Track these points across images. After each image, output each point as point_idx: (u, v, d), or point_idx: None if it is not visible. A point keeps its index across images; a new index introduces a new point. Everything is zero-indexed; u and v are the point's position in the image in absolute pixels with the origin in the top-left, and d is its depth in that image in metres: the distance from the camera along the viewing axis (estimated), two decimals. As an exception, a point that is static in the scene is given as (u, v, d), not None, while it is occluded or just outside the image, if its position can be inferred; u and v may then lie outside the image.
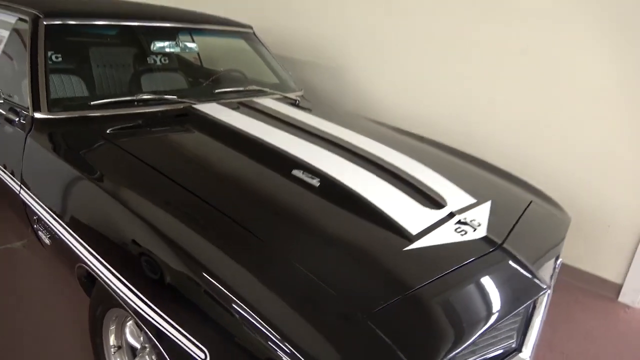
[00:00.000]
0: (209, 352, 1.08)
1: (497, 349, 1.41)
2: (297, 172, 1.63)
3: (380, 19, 3.29)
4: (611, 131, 2.50)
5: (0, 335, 1.91)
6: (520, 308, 1.32)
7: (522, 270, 1.42)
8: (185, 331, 1.13)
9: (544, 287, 1.41)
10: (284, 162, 1.69)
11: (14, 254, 2.50)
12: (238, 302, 1.06)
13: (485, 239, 1.49)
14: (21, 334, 1.93)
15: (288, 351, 0.98)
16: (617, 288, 2.64)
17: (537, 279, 1.42)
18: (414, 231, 1.43)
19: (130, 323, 1.51)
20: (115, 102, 1.98)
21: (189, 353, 1.12)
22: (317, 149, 1.83)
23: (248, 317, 1.03)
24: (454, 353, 1.10)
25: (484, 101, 2.91)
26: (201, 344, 1.10)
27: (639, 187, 2.49)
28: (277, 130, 1.97)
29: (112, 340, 1.56)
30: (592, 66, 2.50)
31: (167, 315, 1.17)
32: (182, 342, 1.13)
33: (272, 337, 1.00)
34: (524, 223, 1.72)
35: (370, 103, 3.47)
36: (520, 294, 1.36)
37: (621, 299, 2.63)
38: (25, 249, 2.54)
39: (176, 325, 1.14)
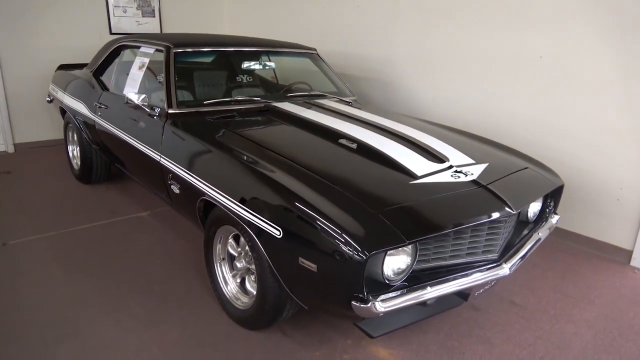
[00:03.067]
0: (283, 231, 1.81)
1: (479, 256, 2.02)
2: (342, 140, 2.37)
3: (423, 39, 3.98)
4: (618, 121, 2.97)
5: (137, 271, 2.78)
6: (485, 221, 1.90)
7: (497, 201, 2.01)
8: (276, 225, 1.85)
9: (512, 212, 1.98)
10: (334, 135, 2.43)
11: (142, 220, 3.42)
12: (317, 216, 1.74)
13: (473, 181, 2.10)
14: (153, 270, 2.78)
15: (338, 231, 1.67)
16: (629, 254, 3.04)
17: (509, 207, 1.99)
18: (419, 173, 2.09)
19: (231, 240, 2.28)
20: (218, 101, 2.85)
21: (270, 234, 1.85)
22: (357, 127, 2.56)
23: (323, 225, 1.71)
24: (434, 235, 1.74)
25: (507, 101, 3.48)
26: (277, 226, 1.82)
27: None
28: (331, 118, 2.71)
29: (218, 251, 2.34)
30: (598, 65, 3.00)
31: (266, 222, 1.89)
32: (274, 234, 1.85)
33: (332, 228, 1.69)
34: (513, 177, 2.30)
35: (415, 108, 4.13)
36: (493, 214, 1.95)
37: (632, 263, 3.03)
38: (150, 217, 3.47)
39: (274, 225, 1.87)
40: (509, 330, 2.32)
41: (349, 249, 1.63)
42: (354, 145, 2.33)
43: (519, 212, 2.16)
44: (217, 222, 2.26)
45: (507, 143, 2.84)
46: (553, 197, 2.53)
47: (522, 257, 2.12)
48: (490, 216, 1.93)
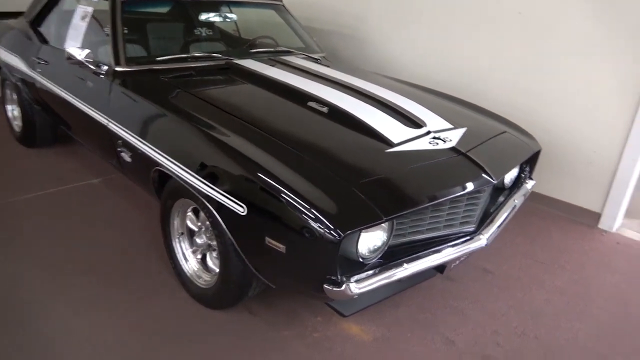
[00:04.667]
0: (247, 208, 1.63)
1: (456, 228, 1.91)
2: (311, 103, 2.16)
3: (394, -11, 3.73)
4: (593, 84, 2.88)
5: (89, 247, 2.56)
6: (466, 192, 1.77)
7: (478, 169, 1.89)
8: (235, 199, 1.67)
9: (492, 181, 1.87)
10: (303, 97, 2.22)
11: (94, 188, 3.16)
12: (284, 190, 1.55)
13: (452, 148, 1.97)
14: (106, 245, 2.56)
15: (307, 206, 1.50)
16: (597, 217, 3.04)
17: (490, 177, 1.87)
18: (395, 140, 1.93)
19: (189, 213, 2.08)
20: (173, 58, 2.55)
21: (233, 211, 1.67)
22: (327, 88, 2.34)
23: (289, 199, 1.53)
24: (411, 210, 1.61)
25: (483, 59, 3.32)
26: (242, 202, 1.64)
27: (614, 132, 2.86)
28: (298, 77, 2.49)
29: (176, 226, 2.14)
30: (580, 23, 2.86)
31: (227, 197, 1.70)
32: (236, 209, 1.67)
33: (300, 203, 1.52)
34: (492, 143, 2.18)
35: (387, 65, 3.92)
36: (472, 185, 1.83)
37: (600, 225, 3.03)
38: (102, 185, 3.20)
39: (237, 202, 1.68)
40: (483, 300, 2.27)
41: (320, 227, 1.47)
42: (325, 109, 2.13)
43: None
44: (174, 194, 2.05)
45: (484, 105, 2.70)
46: (529, 162, 2.44)
47: (499, 227, 2.04)
48: (470, 187, 1.80)
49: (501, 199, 2.26)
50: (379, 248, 1.67)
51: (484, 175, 1.86)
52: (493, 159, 2.01)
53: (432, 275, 2.01)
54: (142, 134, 2.12)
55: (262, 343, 1.92)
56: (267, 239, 1.59)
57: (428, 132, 2.06)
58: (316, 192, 1.56)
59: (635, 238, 2.95)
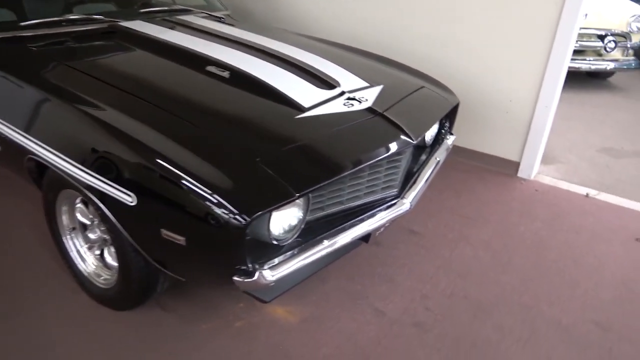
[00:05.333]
0: (137, 197, 1.39)
1: (379, 194, 1.79)
2: (210, 68, 1.90)
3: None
4: (508, 33, 2.83)
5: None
6: (385, 156, 1.64)
7: (396, 130, 1.75)
8: (118, 184, 1.42)
9: (412, 141, 1.74)
10: (201, 62, 1.95)
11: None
12: (176, 171, 1.33)
13: (369, 109, 1.81)
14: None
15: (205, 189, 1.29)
16: (516, 166, 3.08)
17: (409, 137, 1.75)
18: (306, 105, 1.74)
19: (79, 205, 1.79)
20: (42, 22, 2.14)
21: (120, 201, 1.42)
22: (230, 50, 2.08)
23: (184, 182, 1.32)
24: (326, 182, 1.44)
25: (401, 13, 3.17)
26: (130, 191, 1.40)
27: (529, 79, 2.86)
28: (196, 39, 2.19)
29: (65, 221, 1.85)
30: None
31: (111, 185, 1.44)
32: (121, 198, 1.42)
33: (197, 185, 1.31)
34: (410, 100, 2.05)
35: (302, 23, 3.67)
36: (392, 147, 1.70)
37: (519, 174, 3.08)
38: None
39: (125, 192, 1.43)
40: (410, 263, 2.20)
41: (223, 213, 1.28)
42: (226, 74, 1.88)
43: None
44: (55, 186, 1.75)
45: (401, 60, 2.56)
46: (449, 117, 2.35)
47: (422, 188, 1.94)
48: (390, 150, 1.67)
49: (423, 157, 2.16)
50: (294, 227, 1.51)
51: (402, 136, 1.73)
52: (411, 118, 1.88)
53: (357, 245, 1.89)
54: (7, 117, 1.77)
55: (180, 343, 1.73)
56: (164, 231, 1.37)
57: (342, 93, 1.88)
58: (215, 171, 1.34)
59: (552, 184, 3.02)
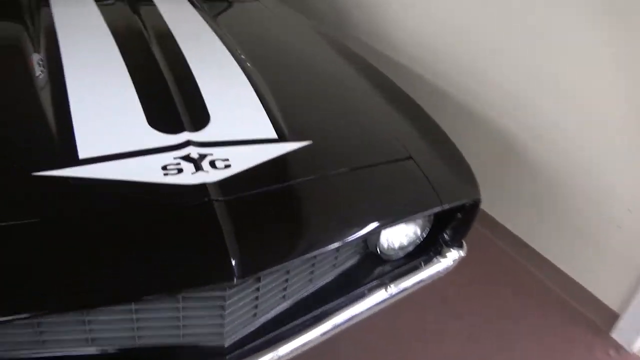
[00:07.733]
0: None
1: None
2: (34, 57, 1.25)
3: None
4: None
5: None
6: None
7: (217, 245, 0.88)
8: None
9: (232, 279, 0.85)
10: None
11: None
12: None
13: (200, 187, 0.96)
14: None
15: None
16: (612, 318, 1.79)
17: (231, 270, 0.86)
18: (85, 154, 0.97)
19: None
20: None
21: None
22: (101, 42, 1.39)
23: None
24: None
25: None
26: None
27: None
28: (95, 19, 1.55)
29: None
30: None
31: None
32: None
33: None
34: (343, 179, 1.13)
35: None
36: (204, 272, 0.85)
37: (614, 334, 1.78)
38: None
39: None
40: None
41: None
42: (42, 73, 1.20)
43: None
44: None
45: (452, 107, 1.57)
46: (456, 220, 1.33)
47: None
48: (152, 291, 0.83)
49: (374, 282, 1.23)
50: None
51: (220, 261, 0.86)
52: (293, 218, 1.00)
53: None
54: None
55: None
56: None
57: (186, 144, 1.05)
58: None
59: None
